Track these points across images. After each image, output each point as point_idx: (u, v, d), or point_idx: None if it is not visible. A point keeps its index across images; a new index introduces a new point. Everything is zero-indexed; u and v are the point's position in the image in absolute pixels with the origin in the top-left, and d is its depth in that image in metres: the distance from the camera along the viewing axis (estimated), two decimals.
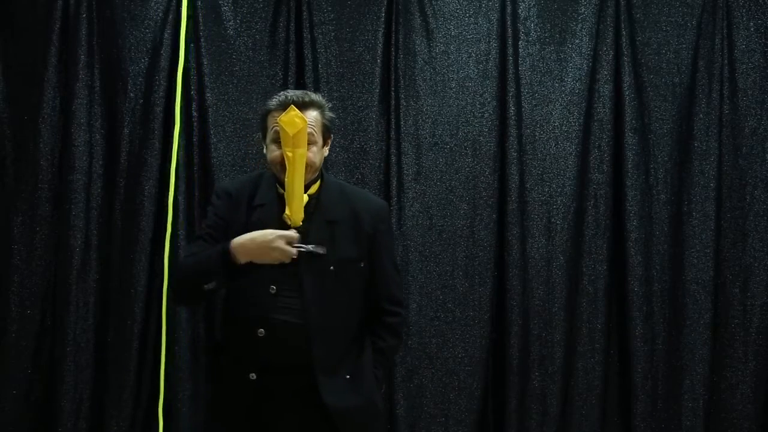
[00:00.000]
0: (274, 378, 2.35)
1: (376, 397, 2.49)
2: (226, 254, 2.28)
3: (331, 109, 2.49)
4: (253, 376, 2.35)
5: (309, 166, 2.35)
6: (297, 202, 2.32)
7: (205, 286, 2.30)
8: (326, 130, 2.46)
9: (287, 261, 2.27)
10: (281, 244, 2.25)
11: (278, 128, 2.32)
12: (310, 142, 2.36)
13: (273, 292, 2.35)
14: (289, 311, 2.35)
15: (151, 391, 3.58)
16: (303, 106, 2.37)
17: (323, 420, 2.35)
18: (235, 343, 2.42)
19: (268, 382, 2.35)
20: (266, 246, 2.25)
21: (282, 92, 2.46)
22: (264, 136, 2.46)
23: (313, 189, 2.44)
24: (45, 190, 3.57)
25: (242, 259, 2.27)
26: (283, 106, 2.37)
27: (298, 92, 2.46)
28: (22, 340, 3.54)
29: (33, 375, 3.56)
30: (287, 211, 2.33)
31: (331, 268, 2.38)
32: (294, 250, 2.26)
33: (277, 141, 2.36)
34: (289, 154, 2.30)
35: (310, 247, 2.30)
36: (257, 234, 2.28)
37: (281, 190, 2.40)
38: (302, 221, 2.34)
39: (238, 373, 2.37)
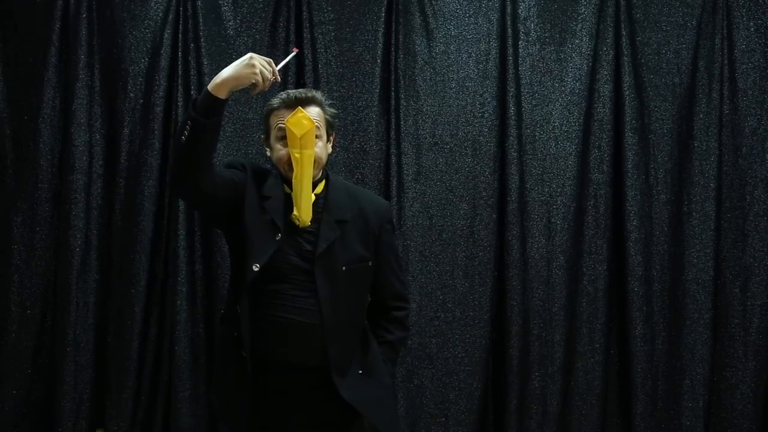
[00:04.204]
0: (288, 378, 2.35)
1: (389, 386, 2.52)
2: (206, 89, 2.21)
3: (331, 106, 2.50)
4: (267, 378, 2.34)
5: (316, 161, 2.36)
6: (305, 202, 2.33)
7: (183, 136, 2.16)
8: (329, 126, 2.46)
9: (260, 83, 2.23)
10: (258, 61, 2.22)
11: (285, 128, 2.32)
12: (316, 136, 2.36)
13: (285, 293, 2.35)
14: (303, 312, 2.35)
15: (151, 391, 3.58)
16: (305, 102, 2.38)
17: (337, 414, 2.36)
18: (248, 344, 2.39)
19: (281, 382, 2.35)
20: (245, 62, 2.21)
21: (283, 92, 2.46)
22: (267, 136, 2.46)
23: (320, 188, 2.44)
24: (45, 190, 3.57)
25: (221, 85, 2.19)
26: (287, 105, 2.37)
27: (300, 89, 2.46)
28: (22, 340, 3.54)
29: (33, 375, 3.56)
30: (295, 212, 2.33)
31: (343, 268, 2.39)
32: (271, 76, 2.25)
33: (282, 139, 2.36)
34: (297, 155, 2.30)
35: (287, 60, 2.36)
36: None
37: (288, 190, 2.40)
38: (311, 221, 2.35)
39: (253, 373, 2.37)
